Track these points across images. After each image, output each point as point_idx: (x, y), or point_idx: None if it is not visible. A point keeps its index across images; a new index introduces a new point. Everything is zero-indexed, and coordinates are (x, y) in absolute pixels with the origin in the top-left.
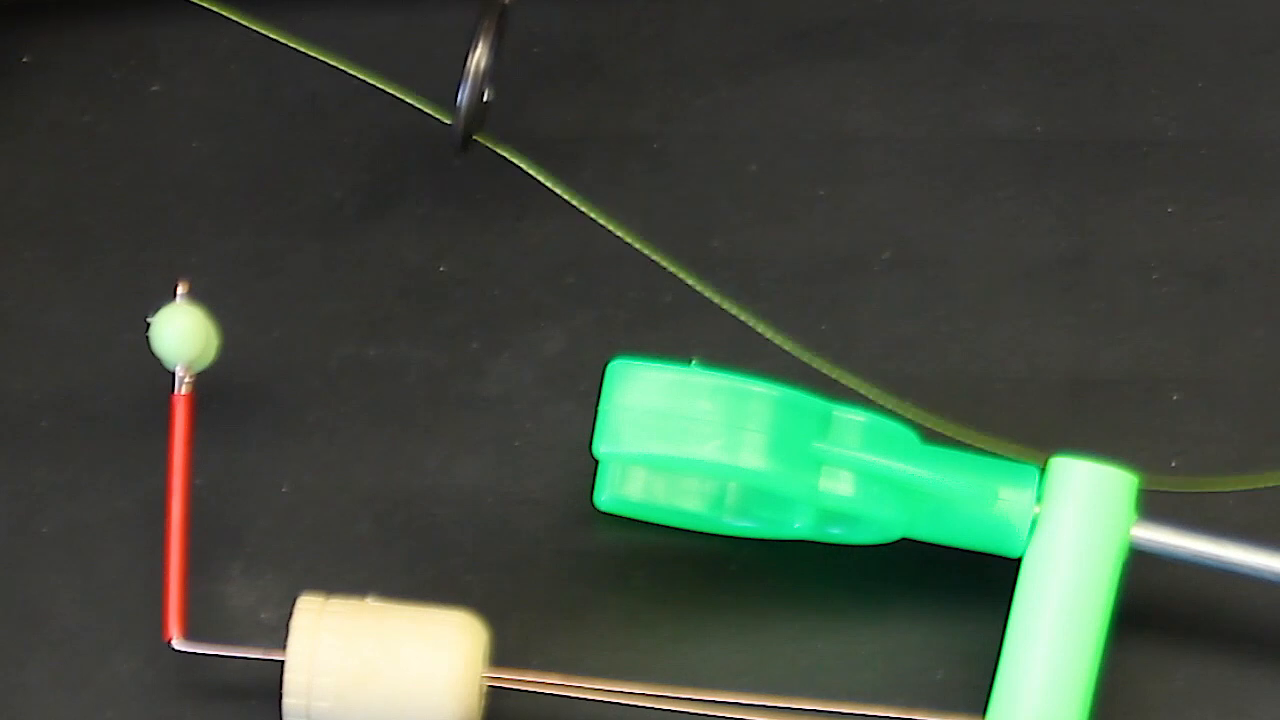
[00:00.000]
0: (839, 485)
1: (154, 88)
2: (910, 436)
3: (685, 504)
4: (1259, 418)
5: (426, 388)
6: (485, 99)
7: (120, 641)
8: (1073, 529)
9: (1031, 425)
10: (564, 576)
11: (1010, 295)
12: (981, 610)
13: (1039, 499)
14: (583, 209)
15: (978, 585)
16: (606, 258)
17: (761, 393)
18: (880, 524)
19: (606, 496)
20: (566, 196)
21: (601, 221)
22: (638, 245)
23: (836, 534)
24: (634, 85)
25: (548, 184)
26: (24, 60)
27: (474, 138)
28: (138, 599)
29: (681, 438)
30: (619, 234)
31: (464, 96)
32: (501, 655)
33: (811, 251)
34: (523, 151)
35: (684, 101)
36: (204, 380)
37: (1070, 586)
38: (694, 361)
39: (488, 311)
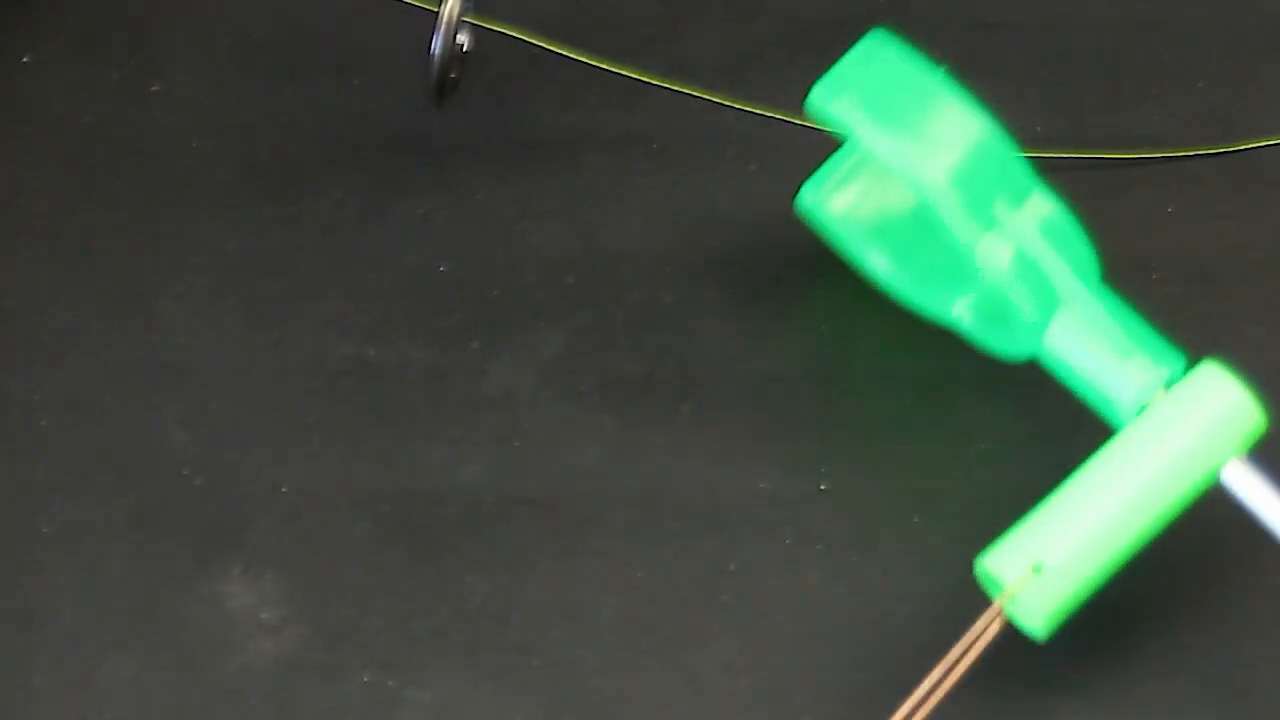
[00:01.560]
0: (998, 253)
1: (154, 88)
2: (1091, 259)
3: (868, 242)
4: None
5: (426, 388)
6: (465, 49)
7: (120, 641)
8: (1181, 432)
9: (1031, 425)
10: (564, 576)
11: None
12: (980, 604)
13: (1169, 384)
14: (581, 59)
15: (978, 583)
16: (606, 258)
17: (980, 126)
18: (1019, 325)
19: (810, 199)
20: (564, 52)
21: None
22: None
23: (981, 334)
24: (634, 85)
25: (545, 46)
26: (24, 60)
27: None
28: (138, 599)
29: (888, 124)
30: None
31: (437, 45)
32: (500, 657)
33: (811, 251)
34: (523, 151)
35: (684, 101)
36: (204, 379)
37: (1143, 477)
38: (944, 69)
39: (488, 311)
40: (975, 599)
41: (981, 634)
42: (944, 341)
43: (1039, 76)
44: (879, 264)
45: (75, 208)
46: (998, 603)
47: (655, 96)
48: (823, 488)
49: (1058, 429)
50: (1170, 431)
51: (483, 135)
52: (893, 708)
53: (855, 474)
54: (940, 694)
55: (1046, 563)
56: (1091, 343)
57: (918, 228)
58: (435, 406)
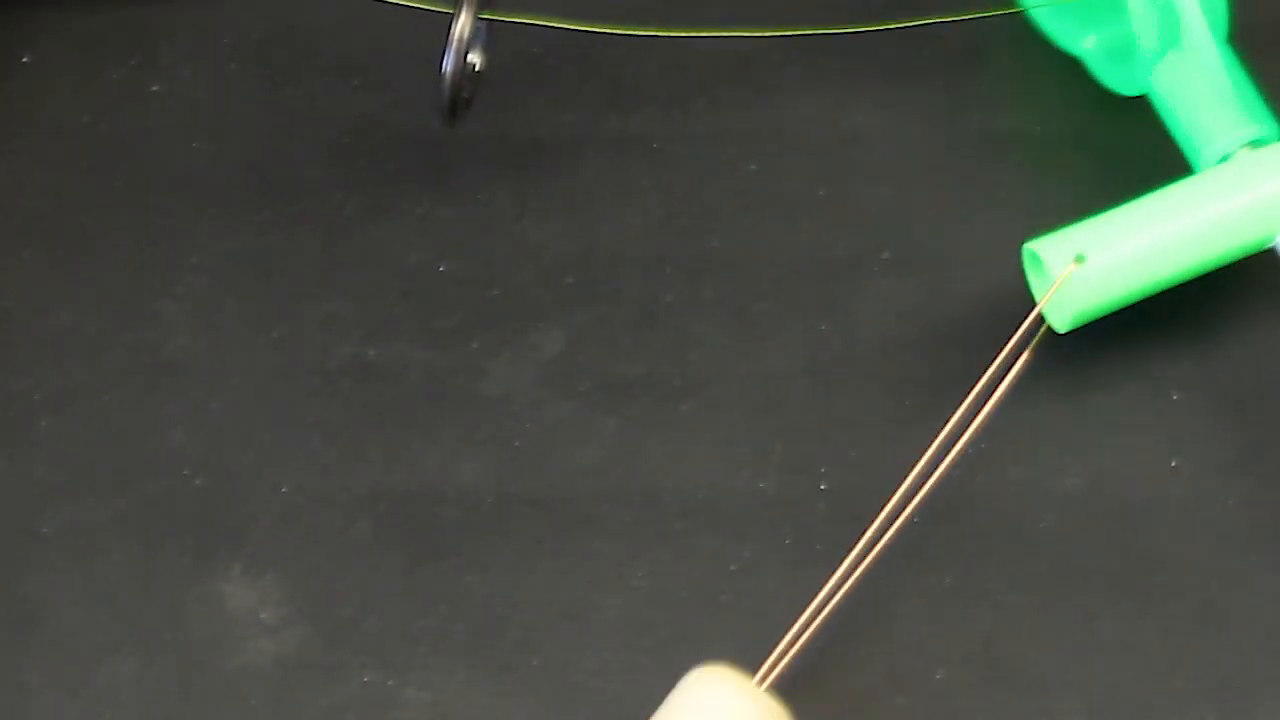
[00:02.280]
0: None
1: (154, 88)
2: (1223, 17)
3: None
4: (1259, 418)
5: (426, 388)
6: (477, 69)
7: (120, 641)
8: (1247, 183)
9: (1030, 423)
10: (564, 576)
11: (1011, 296)
12: (980, 604)
13: (1258, 142)
14: (578, 28)
15: (976, 581)
16: (606, 258)
17: None
18: (1137, 60)
19: None
20: (573, 26)
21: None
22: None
23: (1104, 67)
24: (634, 85)
25: (559, 25)
26: (24, 60)
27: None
28: (138, 599)
29: None
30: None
31: (448, 64)
32: (500, 657)
33: (811, 251)
34: (523, 151)
35: (684, 101)
36: (204, 379)
37: (1197, 213)
38: None
39: (488, 311)
40: (975, 604)
41: (1033, 317)
42: (946, 339)
43: (1038, 76)
44: None
45: (75, 208)
46: (1057, 280)
47: (655, 96)
48: (822, 488)
49: None
50: (1238, 180)
51: (483, 135)
52: (889, 705)
53: (855, 474)
54: (1003, 387)
55: (1089, 255)
56: (1193, 86)
57: None
58: (435, 406)
